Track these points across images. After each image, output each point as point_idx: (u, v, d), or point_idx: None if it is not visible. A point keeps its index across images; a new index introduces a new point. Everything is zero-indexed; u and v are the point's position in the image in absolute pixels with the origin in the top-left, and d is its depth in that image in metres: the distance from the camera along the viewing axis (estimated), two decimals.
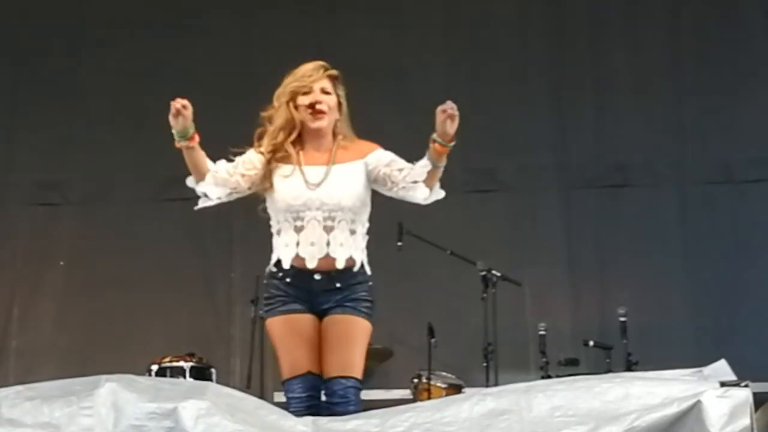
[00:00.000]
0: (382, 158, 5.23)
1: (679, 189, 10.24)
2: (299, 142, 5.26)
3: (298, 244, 5.09)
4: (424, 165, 5.10)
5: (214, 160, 5.25)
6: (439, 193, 5.26)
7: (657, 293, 9.78)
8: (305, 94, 5.24)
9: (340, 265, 5.08)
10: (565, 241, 10.14)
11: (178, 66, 10.46)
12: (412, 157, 5.32)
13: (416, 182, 5.14)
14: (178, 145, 5.32)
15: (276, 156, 5.21)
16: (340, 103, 5.30)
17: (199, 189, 5.31)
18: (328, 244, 5.08)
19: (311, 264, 5.07)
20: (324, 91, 5.25)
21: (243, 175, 5.25)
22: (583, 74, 10.50)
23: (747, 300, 9.77)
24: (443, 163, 5.11)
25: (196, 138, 5.26)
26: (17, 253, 10.34)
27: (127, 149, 10.42)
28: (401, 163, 5.21)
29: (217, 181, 5.28)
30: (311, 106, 5.21)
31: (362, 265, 5.18)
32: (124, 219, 10.34)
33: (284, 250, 5.12)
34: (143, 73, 10.48)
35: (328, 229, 5.09)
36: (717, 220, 10.12)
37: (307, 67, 5.30)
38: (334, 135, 5.29)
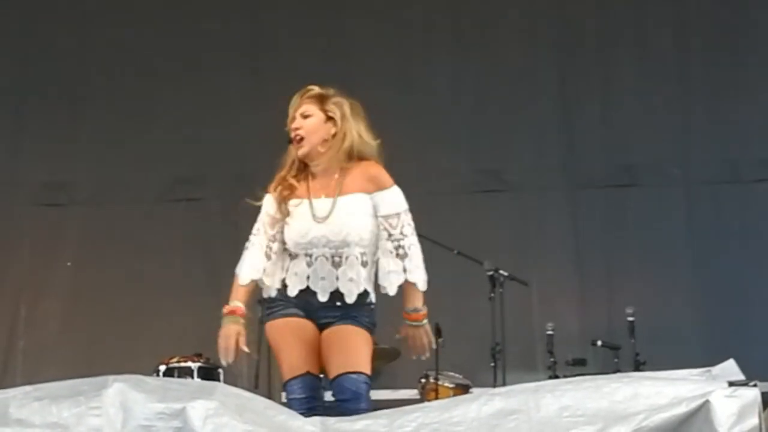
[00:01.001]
0: (387, 207, 5.13)
1: (686, 189, 10.24)
2: (308, 172, 5.22)
3: (308, 278, 5.09)
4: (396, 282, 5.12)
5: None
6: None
7: (665, 293, 9.78)
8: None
9: (349, 299, 5.06)
10: (573, 241, 10.15)
11: (184, 67, 10.49)
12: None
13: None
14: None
15: (285, 186, 5.17)
16: (330, 119, 5.18)
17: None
18: (337, 278, 5.06)
19: (323, 298, 5.07)
20: (303, 116, 5.18)
21: (274, 236, 5.19)
22: (590, 74, 10.50)
23: (755, 299, 9.76)
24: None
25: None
26: (24, 254, 10.36)
27: (133, 150, 10.44)
28: (398, 227, 5.10)
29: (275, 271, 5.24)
30: (290, 140, 5.19)
31: (366, 292, 5.14)
32: (131, 219, 10.35)
33: (293, 278, 5.12)
34: (149, 74, 10.51)
35: (337, 265, 5.06)
36: (724, 219, 10.12)
37: (293, 99, 5.25)
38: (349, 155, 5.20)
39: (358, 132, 5.18)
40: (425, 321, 5.20)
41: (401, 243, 5.08)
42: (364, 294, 5.12)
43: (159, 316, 9.94)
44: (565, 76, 10.50)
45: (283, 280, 5.16)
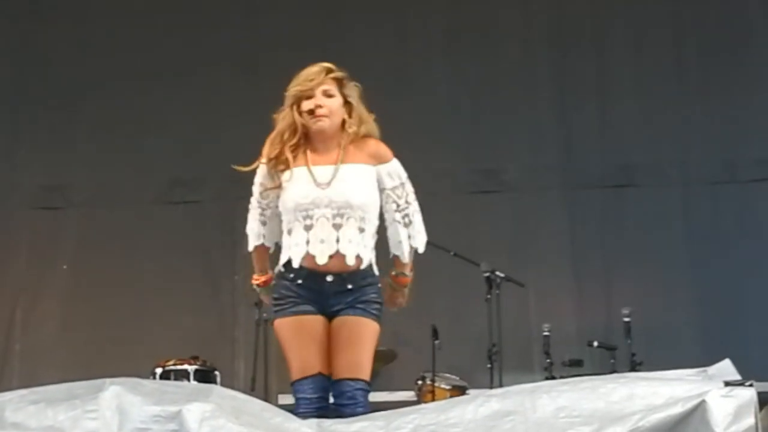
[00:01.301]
0: (392, 178, 5.26)
1: (683, 189, 10.25)
2: (307, 143, 5.25)
3: (308, 242, 5.09)
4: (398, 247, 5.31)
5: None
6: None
7: (661, 293, 9.78)
8: (308, 98, 5.22)
9: (350, 261, 5.07)
10: (569, 242, 10.15)
11: (181, 70, 10.48)
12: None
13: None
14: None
15: (281, 159, 5.20)
16: (348, 103, 5.27)
17: None
18: (337, 240, 5.07)
19: (321, 260, 5.06)
20: (326, 94, 5.23)
21: (267, 204, 5.29)
22: (587, 75, 10.50)
23: (751, 299, 9.77)
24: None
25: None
26: (21, 256, 10.35)
27: (130, 152, 10.44)
28: (403, 197, 5.27)
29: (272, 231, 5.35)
30: (311, 112, 5.20)
31: (371, 265, 5.18)
32: (128, 222, 10.34)
33: (294, 249, 5.12)
34: (146, 77, 10.50)
35: (337, 227, 5.08)
36: (721, 219, 10.12)
37: (310, 71, 5.27)
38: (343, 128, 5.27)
39: (363, 117, 5.30)
40: (407, 288, 5.37)
41: (407, 212, 5.26)
42: (370, 269, 5.17)
43: (156, 318, 9.93)
44: (562, 76, 10.51)
45: (288, 260, 5.15)
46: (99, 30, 10.68)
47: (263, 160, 5.24)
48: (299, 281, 5.11)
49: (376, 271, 5.21)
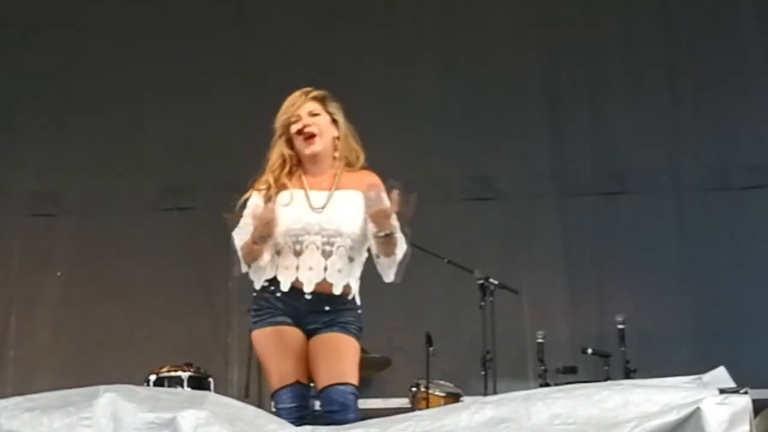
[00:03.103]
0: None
1: (675, 196, 10.25)
2: (300, 168, 5.27)
3: (297, 268, 5.10)
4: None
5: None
6: (394, 264, 5.15)
7: (655, 300, 9.77)
8: (295, 122, 5.24)
9: (336, 291, 5.10)
10: (563, 249, 10.15)
11: (174, 76, 10.49)
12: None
13: (377, 255, 5.14)
14: (254, 244, 5.10)
15: (278, 184, 5.21)
16: (335, 120, 5.30)
17: (254, 273, 5.23)
18: (325, 269, 5.09)
19: (308, 288, 5.08)
20: (312, 114, 5.26)
21: None
22: (579, 82, 10.51)
23: (745, 306, 9.77)
24: (388, 230, 5.01)
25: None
26: (14, 264, 10.33)
27: (123, 159, 10.44)
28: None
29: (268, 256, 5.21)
30: (300, 132, 5.22)
31: (354, 297, 5.19)
32: (121, 229, 10.33)
33: (284, 272, 5.13)
34: (139, 83, 10.50)
35: (326, 255, 5.10)
36: (714, 226, 10.13)
37: (292, 97, 5.31)
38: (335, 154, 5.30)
39: (350, 135, 5.34)
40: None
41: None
42: (351, 296, 5.16)
43: (149, 325, 9.93)
44: (554, 83, 10.52)
45: (274, 277, 5.14)
46: (92, 37, 10.68)
47: (262, 187, 5.22)
48: (278, 294, 5.12)
49: (358, 301, 5.21)
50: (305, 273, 5.09)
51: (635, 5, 10.69)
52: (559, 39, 10.63)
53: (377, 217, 4.97)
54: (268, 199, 5.17)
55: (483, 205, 10.32)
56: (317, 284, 5.09)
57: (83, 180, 10.49)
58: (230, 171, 9.81)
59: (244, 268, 5.24)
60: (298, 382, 5.06)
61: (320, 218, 5.12)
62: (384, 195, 4.94)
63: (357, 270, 5.20)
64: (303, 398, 5.07)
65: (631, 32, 10.60)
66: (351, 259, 5.15)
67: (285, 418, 4.85)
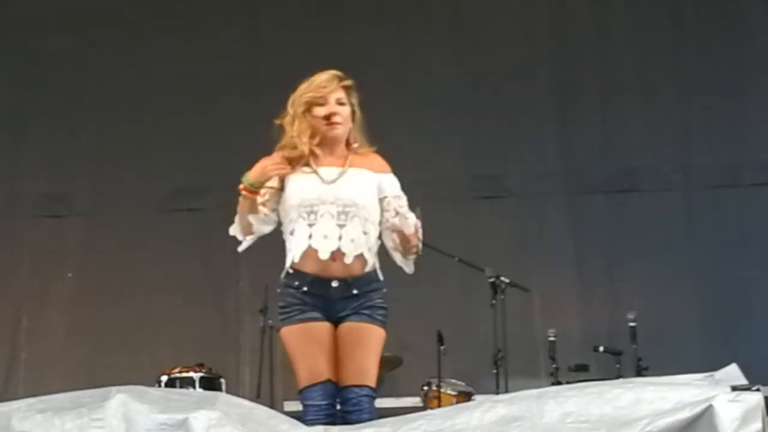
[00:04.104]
0: (393, 188, 5.29)
1: (685, 193, 10.24)
2: (311, 152, 5.28)
3: (310, 236, 5.10)
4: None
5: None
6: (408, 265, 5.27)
7: (666, 298, 9.76)
8: (321, 105, 5.26)
9: (348, 260, 5.09)
10: (573, 247, 10.14)
11: (183, 77, 10.50)
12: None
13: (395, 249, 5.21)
14: (245, 190, 5.17)
15: (292, 164, 5.22)
16: (353, 112, 5.34)
17: (247, 240, 5.32)
18: (340, 238, 5.09)
19: (324, 255, 5.07)
20: (339, 102, 5.29)
21: (264, 203, 5.25)
22: (589, 79, 10.50)
23: (756, 303, 9.76)
24: (414, 250, 5.14)
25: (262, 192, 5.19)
26: (25, 265, 10.35)
27: (132, 160, 10.45)
28: (404, 207, 5.25)
29: (265, 221, 5.26)
30: (327, 117, 5.24)
31: (375, 270, 5.19)
32: (131, 230, 10.34)
33: (296, 245, 5.13)
34: (148, 85, 10.51)
35: (341, 225, 5.10)
36: (724, 223, 10.12)
37: (323, 78, 5.33)
38: (348, 144, 5.33)
39: (362, 127, 5.39)
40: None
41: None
42: (374, 273, 5.17)
43: (160, 326, 9.93)
44: (564, 80, 10.51)
45: (296, 271, 5.13)
46: (101, 40, 10.69)
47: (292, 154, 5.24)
48: (305, 288, 5.11)
49: (380, 276, 5.21)
50: (319, 240, 5.08)
51: (645, 3, 10.67)
52: (569, 37, 10.63)
53: (404, 244, 5.08)
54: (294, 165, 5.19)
55: (493, 203, 10.32)
56: (333, 255, 5.07)
57: (93, 181, 10.50)
58: (240, 172, 9.87)
59: (234, 230, 5.31)
60: (329, 380, 5.05)
61: (334, 188, 5.15)
62: (409, 221, 5.04)
63: (373, 243, 5.19)
64: (333, 396, 5.06)
65: (641, 30, 10.59)
66: (365, 233, 5.15)
67: (314, 416, 4.89)
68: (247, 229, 5.27)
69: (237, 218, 5.29)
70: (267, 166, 5.12)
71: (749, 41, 10.45)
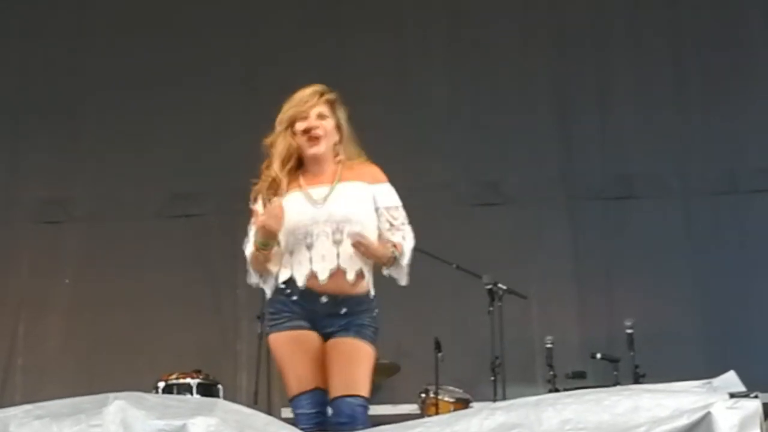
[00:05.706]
0: (386, 198, 5.25)
1: (684, 199, 10.25)
2: (299, 167, 5.26)
3: (311, 260, 5.08)
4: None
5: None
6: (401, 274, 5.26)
7: (664, 304, 9.76)
8: (302, 119, 5.23)
9: (350, 276, 5.07)
10: (571, 254, 10.14)
11: (182, 83, 10.50)
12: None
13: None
14: (258, 250, 5.15)
15: (274, 184, 5.19)
16: (339, 126, 5.29)
17: (264, 282, 5.28)
18: (338, 256, 5.08)
19: (323, 276, 5.06)
20: (320, 116, 5.24)
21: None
22: (587, 86, 10.52)
23: (754, 310, 9.76)
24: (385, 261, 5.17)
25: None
26: (23, 271, 10.35)
27: (131, 166, 10.46)
28: (399, 218, 5.24)
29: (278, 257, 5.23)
30: (306, 132, 5.21)
31: (368, 291, 5.17)
32: (129, 236, 10.34)
33: (297, 267, 5.11)
34: (147, 90, 10.52)
35: (338, 243, 5.08)
36: (723, 230, 10.12)
37: (304, 93, 5.28)
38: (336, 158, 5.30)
39: (351, 140, 5.34)
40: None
41: (404, 235, 5.21)
42: (366, 293, 5.14)
43: (158, 332, 9.94)
44: (562, 87, 10.52)
45: (291, 278, 5.12)
46: (99, 44, 10.71)
47: (261, 195, 5.23)
48: (294, 297, 5.10)
49: (372, 294, 5.20)
50: (319, 264, 5.07)
51: (643, 9, 10.68)
52: (567, 43, 10.64)
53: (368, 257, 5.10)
54: (274, 192, 5.15)
55: (491, 210, 10.32)
56: (331, 281, 5.06)
57: (92, 187, 10.51)
58: (238, 178, 9.84)
59: (254, 279, 5.25)
60: (317, 388, 5.04)
61: (326, 208, 5.11)
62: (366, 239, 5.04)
63: (370, 263, 5.17)
64: (322, 404, 5.03)
65: (639, 36, 10.60)
66: None
67: (304, 424, 4.88)
68: (266, 273, 5.23)
69: (252, 269, 5.24)
70: (268, 222, 5.04)
71: (748, 48, 10.47)
